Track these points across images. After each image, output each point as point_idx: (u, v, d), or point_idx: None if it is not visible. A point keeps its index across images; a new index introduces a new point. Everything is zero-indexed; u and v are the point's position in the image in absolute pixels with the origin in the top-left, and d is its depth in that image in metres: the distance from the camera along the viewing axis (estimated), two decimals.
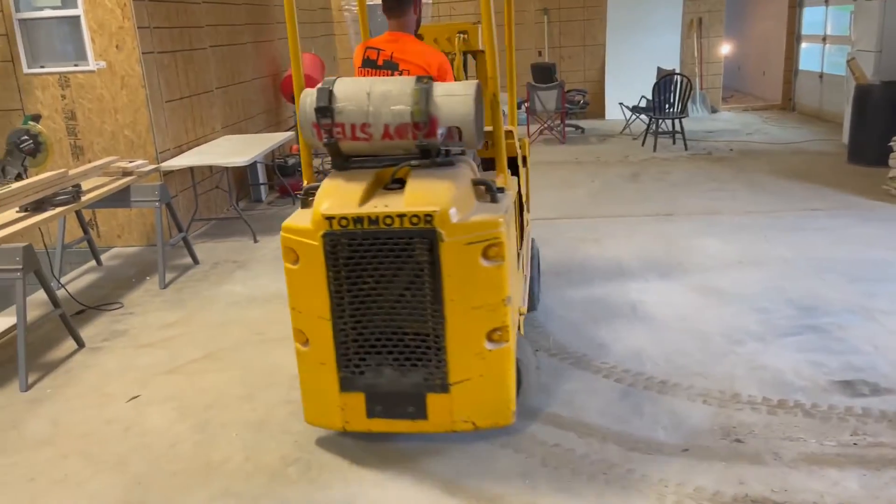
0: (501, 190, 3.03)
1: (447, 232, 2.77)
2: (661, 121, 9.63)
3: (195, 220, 6.52)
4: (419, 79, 2.92)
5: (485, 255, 2.80)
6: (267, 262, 5.74)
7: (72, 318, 4.71)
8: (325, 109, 2.87)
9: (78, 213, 5.56)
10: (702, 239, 5.67)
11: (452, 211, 2.77)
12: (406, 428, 3.07)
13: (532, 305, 4.33)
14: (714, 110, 12.38)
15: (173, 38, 6.52)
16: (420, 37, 3.71)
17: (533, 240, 4.53)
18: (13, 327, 4.06)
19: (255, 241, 6.30)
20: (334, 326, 2.94)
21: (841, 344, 3.86)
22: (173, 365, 4.06)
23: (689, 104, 12.04)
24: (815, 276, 4.82)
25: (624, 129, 10.71)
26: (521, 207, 3.87)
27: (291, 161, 7.97)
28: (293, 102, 8.91)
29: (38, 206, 4.39)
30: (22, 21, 5.87)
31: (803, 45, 11.98)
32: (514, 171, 3.79)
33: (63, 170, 4.83)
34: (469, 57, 4.64)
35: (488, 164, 3.63)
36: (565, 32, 12.38)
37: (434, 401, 2.96)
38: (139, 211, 6.20)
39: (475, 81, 2.98)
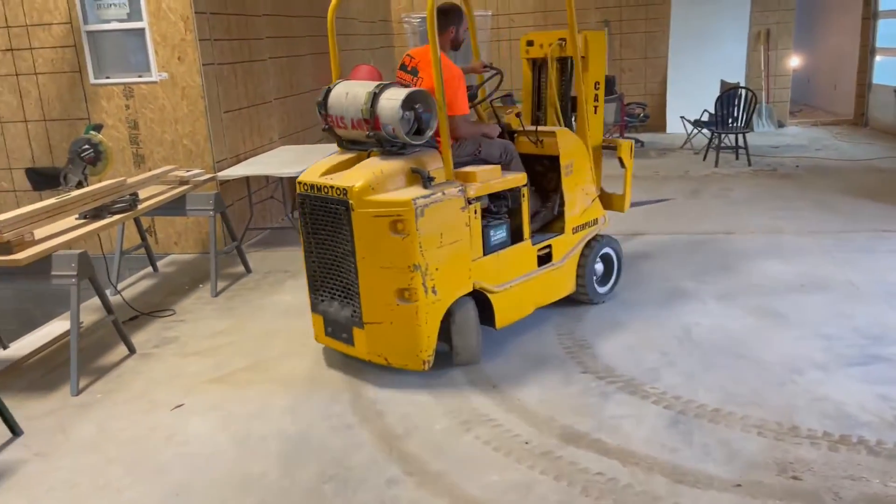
0: (432, 179, 3.69)
1: (356, 204, 3.62)
2: (723, 135, 9.34)
3: (250, 228, 6.61)
4: (378, 86, 3.78)
5: (392, 227, 3.58)
6: None
7: (126, 323, 4.82)
8: (321, 104, 4.01)
9: (136, 221, 5.69)
10: (763, 260, 5.44)
11: (363, 188, 3.59)
12: (344, 349, 4.02)
13: (590, 298, 4.72)
14: (781, 125, 11.97)
15: (233, 49, 6.65)
16: (452, 50, 4.33)
17: (598, 238, 4.73)
18: (68, 332, 4.16)
19: None
20: (306, 262, 4.08)
21: None
22: (219, 373, 4.10)
23: (755, 118, 11.68)
24: (884, 302, 4.55)
25: (685, 143, 10.44)
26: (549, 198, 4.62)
27: None
28: None
29: (96, 214, 4.50)
30: (89, 33, 6.07)
31: (877, 58, 11.48)
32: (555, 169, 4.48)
33: (122, 178, 4.95)
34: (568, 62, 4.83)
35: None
36: (626, 45, 12.17)
37: (357, 333, 3.87)
38: (195, 219, 6.32)
39: (411, 90, 3.69)
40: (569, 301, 4.66)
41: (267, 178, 6.94)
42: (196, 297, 5.38)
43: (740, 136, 9.24)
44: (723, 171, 8.73)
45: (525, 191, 4.16)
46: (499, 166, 4.11)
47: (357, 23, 10.68)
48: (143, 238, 5.82)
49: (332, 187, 3.69)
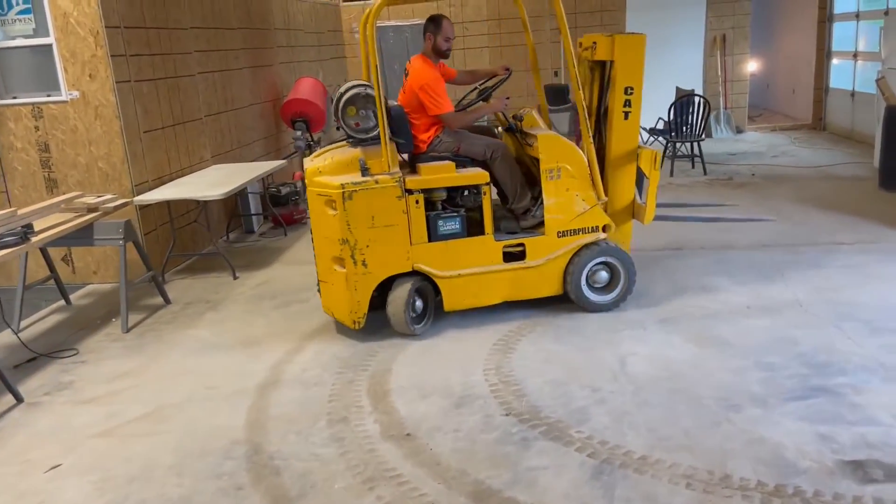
0: (367, 169, 4.28)
1: (308, 184, 4.47)
2: (679, 144, 9.12)
3: (175, 255, 6.23)
4: (347, 87, 4.54)
5: (329, 205, 4.30)
6: (241, 303, 5.41)
7: (22, 367, 4.43)
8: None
9: (43, 251, 5.30)
10: (711, 278, 5.18)
11: (312, 171, 4.43)
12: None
13: (584, 305, 4.73)
14: (740, 130, 11.81)
15: (155, 65, 6.28)
16: (440, 57, 4.78)
17: (595, 245, 4.65)
18: None
19: (235, 277, 5.98)
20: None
21: (855, 412, 3.35)
22: (109, 425, 3.72)
23: (713, 124, 11.51)
24: (833, 324, 4.30)
25: None
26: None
27: (286, 190, 7.67)
28: (294, 127, 8.72)
29: None
30: None
31: (834, 61, 11.36)
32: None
33: (12, 209, 4.56)
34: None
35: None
36: None
37: (321, 287, 4.66)
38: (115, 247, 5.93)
39: (353, 93, 4.46)
40: (530, 314, 4.36)
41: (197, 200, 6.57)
42: (105, 333, 4.99)
43: (696, 145, 9.03)
44: (678, 180, 8.50)
45: (486, 189, 4.43)
46: (452, 164, 4.44)
47: (304, 34, 10.34)
48: (52, 269, 5.42)
49: (304, 171, 4.56)
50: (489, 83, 5.05)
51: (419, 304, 4.53)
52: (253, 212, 7.56)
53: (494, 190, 4.74)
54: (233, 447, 3.43)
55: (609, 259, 4.63)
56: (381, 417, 3.61)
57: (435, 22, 4.66)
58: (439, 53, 4.71)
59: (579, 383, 3.81)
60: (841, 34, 11.16)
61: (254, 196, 7.58)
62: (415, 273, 4.44)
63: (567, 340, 4.35)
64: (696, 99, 8.98)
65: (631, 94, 4.56)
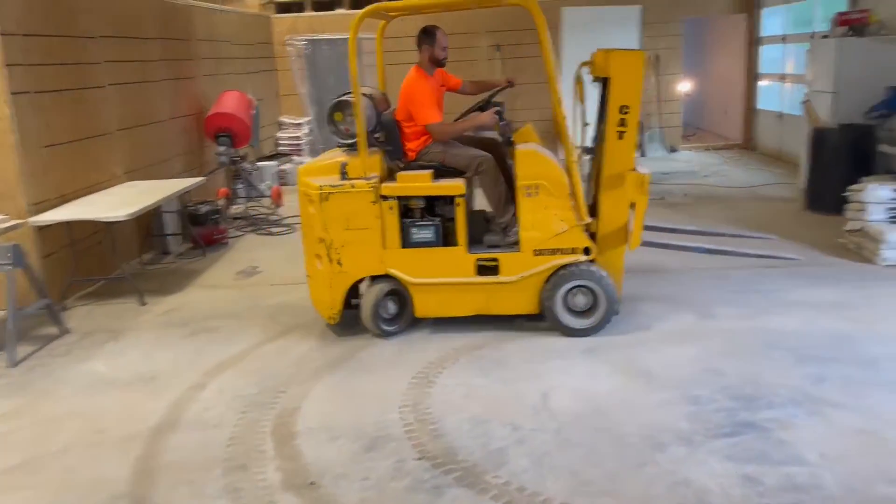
0: (345, 174, 4.45)
1: (298, 183, 4.68)
2: None
3: (77, 280, 5.80)
4: (341, 95, 4.72)
5: (310, 204, 4.52)
6: (146, 332, 5.02)
7: None
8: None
9: None
10: (639, 304, 5.04)
11: (302, 171, 4.68)
12: None
13: (560, 329, 4.59)
14: (673, 149, 11.91)
15: (59, 75, 5.85)
16: (437, 66, 4.80)
17: (572, 267, 4.50)
18: None
19: (143, 303, 5.58)
20: None
21: (781, 450, 3.21)
22: None
23: (647, 143, 11.58)
24: (761, 353, 4.20)
25: None
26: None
27: (205, 209, 7.28)
28: (217, 143, 8.34)
29: None
30: None
31: (762, 83, 11.58)
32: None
33: None
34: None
35: None
36: (519, 69, 11.84)
37: (308, 280, 4.82)
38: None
39: (339, 100, 4.69)
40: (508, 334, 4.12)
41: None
42: None
43: None
44: None
45: (460, 201, 4.43)
46: (429, 173, 4.46)
47: (231, 45, 9.97)
48: None
49: None
50: (488, 95, 4.98)
51: (392, 306, 4.64)
52: (170, 231, 7.15)
53: (483, 202, 4.80)
54: (114, 502, 3.08)
55: (587, 283, 4.44)
56: (283, 464, 3.31)
57: (428, 34, 4.72)
58: (437, 63, 4.76)
59: (500, 420, 3.59)
60: (770, 56, 11.38)
61: (172, 215, 7.16)
62: (390, 276, 4.56)
63: (490, 372, 4.13)
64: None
65: (626, 113, 4.35)
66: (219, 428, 3.66)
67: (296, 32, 11.91)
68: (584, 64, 4.67)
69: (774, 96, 11.10)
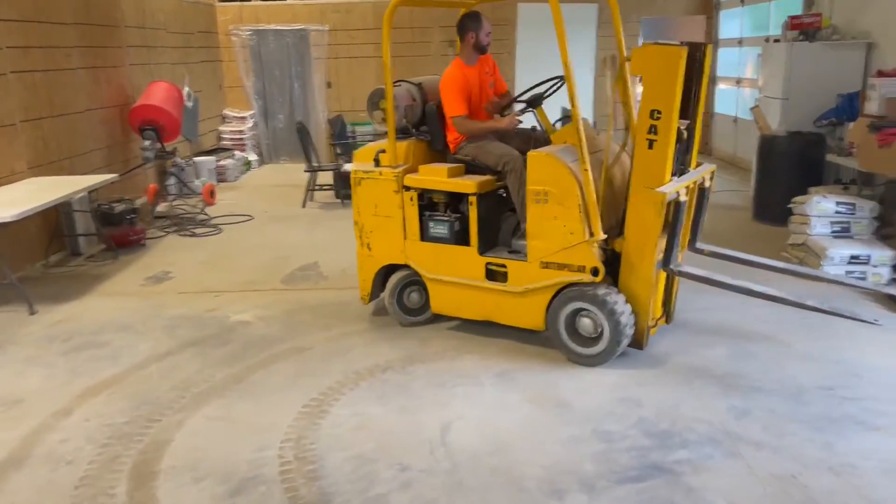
0: (378, 161, 4.51)
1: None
2: None
3: None
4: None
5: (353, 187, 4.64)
6: (25, 346, 4.58)
7: None
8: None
9: None
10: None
11: (355, 155, 4.75)
12: None
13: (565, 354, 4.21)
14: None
15: None
16: (481, 52, 4.62)
17: (577, 287, 4.08)
18: None
19: (33, 312, 5.12)
20: None
21: (689, 498, 2.89)
22: None
23: None
24: (683, 381, 3.89)
25: None
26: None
27: (121, 207, 6.81)
28: (143, 136, 7.85)
29: None
30: None
31: (719, 86, 11.35)
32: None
33: None
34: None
35: None
36: None
37: None
38: None
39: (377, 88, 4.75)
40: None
41: None
42: None
43: None
44: None
45: (472, 199, 4.24)
46: (446, 168, 4.35)
47: (166, 34, 9.47)
48: None
49: None
50: (538, 90, 4.52)
51: (416, 297, 4.64)
52: (81, 231, 6.66)
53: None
54: None
55: (588, 307, 3.99)
56: None
57: (474, 18, 4.56)
58: (480, 49, 4.59)
59: (388, 460, 3.23)
60: (727, 59, 11.16)
61: (84, 214, 6.68)
62: (411, 267, 4.55)
63: (391, 399, 3.77)
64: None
65: (658, 118, 3.72)
66: (72, 465, 3.25)
67: (241, 22, 11.43)
68: (627, 59, 4.10)
69: (731, 100, 10.88)
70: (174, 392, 3.91)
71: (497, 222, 4.49)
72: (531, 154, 4.04)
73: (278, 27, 11.47)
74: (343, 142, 9.71)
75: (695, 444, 3.27)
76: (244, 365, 4.23)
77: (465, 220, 4.35)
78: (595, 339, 4.03)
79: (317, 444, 3.36)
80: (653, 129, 3.75)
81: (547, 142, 4.35)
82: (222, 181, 10.09)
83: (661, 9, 11.70)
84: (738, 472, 3.06)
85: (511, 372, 4.05)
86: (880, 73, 6.25)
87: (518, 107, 4.57)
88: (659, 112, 3.72)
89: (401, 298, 4.67)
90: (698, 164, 4.28)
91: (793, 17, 7.54)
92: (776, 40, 7.99)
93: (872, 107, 6.08)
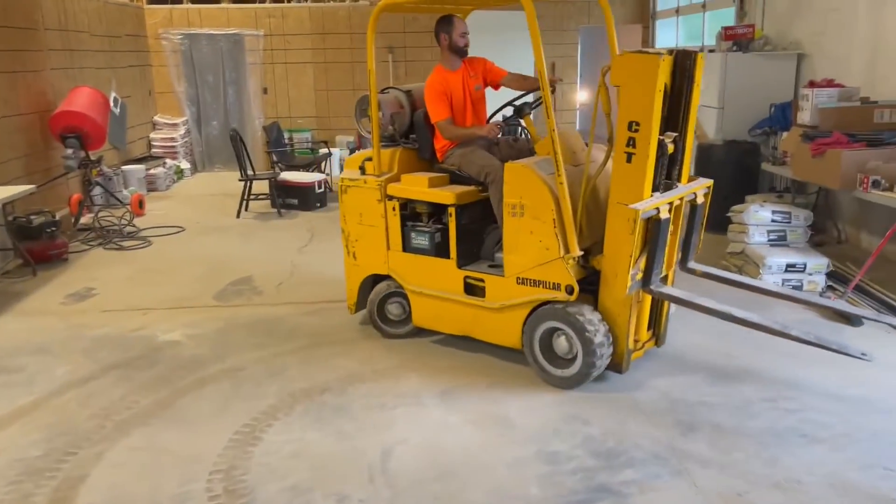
0: (363, 169, 4.48)
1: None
2: None
3: None
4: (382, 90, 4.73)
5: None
6: None
7: None
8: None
9: None
10: None
11: (345, 162, 4.78)
12: None
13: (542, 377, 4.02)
14: None
15: None
16: (460, 55, 4.47)
17: (551, 306, 3.91)
18: None
19: None
20: None
21: None
22: None
23: None
24: (630, 396, 3.82)
25: None
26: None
27: (39, 220, 6.41)
28: (65, 144, 7.44)
29: None
30: None
31: None
32: None
33: None
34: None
35: None
36: (412, 73, 11.39)
37: None
38: None
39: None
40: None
41: None
42: None
43: None
44: None
45: (451, 210, 4.14)
46: (426, 177, 4.24)
47: (90, 37, 9.03)
48: None
49: None
50: (527, 97, 4.47)
51: (397, 309, 4.54)
52: None
53: None
54: None
55: (562, 326, 3.81)
56: None
57: (445, 20, 4.45)
58: (457, 51, 4.45)
59: (325, 489, 3.05)
60: None
61: None
62: (390, 278, 4.49)
63: (329, 423, 3.59)
64: (519, 129, 8.60)
65: (636, 131, 3.49)
66: None
67: (171, 25, 11.03)
68: (607, 69, 3.77)
69: None
70: (94, 421, 3.64)
71: (480, 235, 4.35)
72: (508, 165, 3.91)
73: (211, 31, 11.12)
74: (279, 149, 9.46)
75: (641, 463, 3.19)
76: (172, 389, 3.98)
77: (446, 232, 4.23)
78: (571, 361, 3.84)
79: (248, 475, 3.16)
80: (631, 142, 3.53)
81: (532, 152, 4.22)
82: (153, 191, 9.70)
83: (598, 18, 11.80)
84: (684, 491, 3.00)
85: (455, 390, 3.92)
86: (812, 84, 6.38)
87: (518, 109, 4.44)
88: (637, 124, 3.50)
89: (382, 310, 4.58)
90: (692, 179, 4.02)
91: (727, 28, 7.66)
92: (711, 50, 8.11)
93: (805, 117, 6.19)
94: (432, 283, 4.32)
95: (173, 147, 10.90)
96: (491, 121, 4.61)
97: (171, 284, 5.81)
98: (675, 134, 3.69)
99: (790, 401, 3.72)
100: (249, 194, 8.40)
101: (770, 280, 5.26)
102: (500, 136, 4.39)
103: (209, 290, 5.65)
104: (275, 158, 9.25)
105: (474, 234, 4.34)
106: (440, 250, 4.26)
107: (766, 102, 7.16)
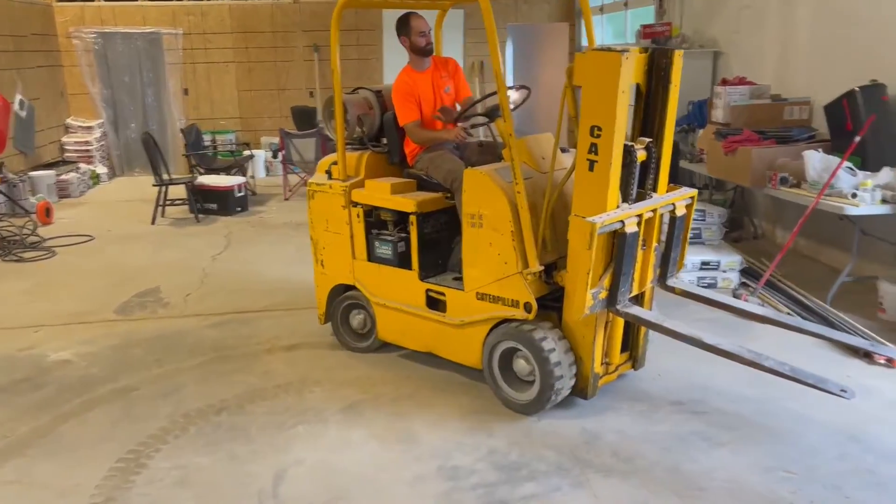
0: (329, 173, 4.27)
1: None
2: None
3: None
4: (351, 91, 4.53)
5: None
6: None
7: None
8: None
9: None
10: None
11: (318, 165, 4.51)
12: None
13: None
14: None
15: None
16: (423, 55, 4.25)
17: (510, 325, 3.66)
18: None
19: None
20: None
21: None
22: None
23: None
24: None
25: None
26: None
27: None
28: None
29: None
30: None
31: None
32: None
33: None
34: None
35: None
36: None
37: None
38: None
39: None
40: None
41: None
42: None
43: None
44: None
45: (413, 219, 3.94)
46: (389, 184, 4.03)
47: None
48: None
49: None
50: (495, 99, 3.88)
51: (359, 320, 4.35)
52: None
53: None
54: None
55: (520, 347, 3.55)
56: None
57: (402, 22, 4.25)
58: (420, 52, 4.23)
59: None
60: None
61: None
62: (356, 289, 4.31)
63: (221, 447, 3.39)
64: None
65: (598, 136, 3.17)
66: None
67: (83, 24, 10.56)
68: (570, 68, 3.43)
69: None
70: None
71: (448, 245, 4.10)
72: (466, 172, 3.65)
73: (127, 30, 10.68)
74: (198, 152, 9.13)
75: (543, 476, 3.10)
76: (55, 414, 3.72)
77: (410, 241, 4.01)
78: (531, 384, 3.58)
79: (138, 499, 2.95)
80: (593, 149, 3.21)
81: (500, 157, 3.86)
82: (65, 197, 9.25)
83: (526, 16, 11.80)
84: None
85: (359, 404, 3.77)
86: (724, 82, 6.44)
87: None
88: (599, 129, 3.17)
89: (344, 320, 4.42)
90: (672, 189, 3.70)
91: (645, 27, 7.71)
92: None
93: (718, 114, 6.25)
94: (396, 295, 4.10)
95: (88, 151, 10.43)
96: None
97: (70, 298, 5.49)
98: (648, 140, 3.42)
99: (697, 403, 3.69)
100: (165, 200, 8.07)
101: (686, 279, 5.27)
102: (466, 139, 4.13)
103: (111, 303, 5.36)
104: (194, 162, 8.92)
105: (440, 243, 4.07)
106: (403, 260, 4.04)
107: (684, 99, 7.21)
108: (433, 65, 4.30)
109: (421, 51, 4.22)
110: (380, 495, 3.01)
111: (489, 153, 4.22)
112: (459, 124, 4.06)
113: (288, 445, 3.40)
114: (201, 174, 8.68)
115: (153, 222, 7.89)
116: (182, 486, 3.10)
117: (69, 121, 10.59)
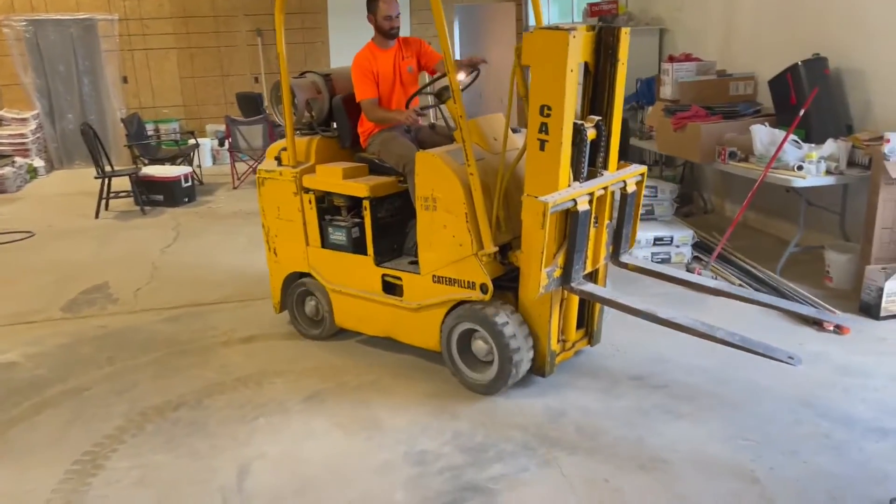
0: (279, 160, 4.24)
1: None
2: None
3: None
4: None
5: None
6: None
7: None
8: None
9: None
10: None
11: (269, 152, 4.47)
12: None
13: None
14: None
15: None
16: (388, 38, 4.15)
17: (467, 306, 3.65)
18: None
19: None
20: None
21: None
22: None
23: None
24: None
25: None
26: None
27: None
28: None
29: None
30: None
31: None
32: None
33: None
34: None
35: None
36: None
37: None
38: None
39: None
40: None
41: None
42: None
43: None
44: None
45: (366, 203, 3.92)
46: (340, 169, 3.99)
47: None
48: None
49: None
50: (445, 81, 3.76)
51: (312, 307, 4.33)
52: None
53: None
54: None
55: (477, 328, 3.56)
56: None
57: (369, 2, 4.15)
58: (384, 34, 4.15)
59: None
60: None
61: None
62: (309, 275, 4.28)
63: (180, 443, 3.31)
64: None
65: (548, 115, 3.16)
66: None
67: (12, 11, 10.10)
68: (518, 47, 3.36)
69: None
70: None
71: (402, 229, 4.09)
72: (419, 155, 3.62)
73: (59, 16, 10.26)
74: (142, 142, 8.86)
75: (510, 457, 3.11)
76: (3, 419, 3.58)
77: (364, 226, 3.99)
78: (490, 364, 3.60)
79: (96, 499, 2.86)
80: (543, 128, 3.20)
81: (453, 139, 3.80)
82: (1, 192, 8.88)
83: None
84: (552, 482, 2.93)
85: (321, 393, 3.72)
86: (671, 59, 6.51)
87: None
88: (549, 108, 3.16)
89: (299, 308, 4.38)
90: (623, 166, 3.70)
91: (592, 5, 7.74)
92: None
93: (666, 91, 6.32)
94: (352, 281, 4.09)
95: (24, 144, 10.02)
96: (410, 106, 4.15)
97: (12, 298, 5.28)
98: (597, 118, 3.39)
99: (655, 377, 3.75)
100: (109, 192, 7.81)
101: (640, 255, 5.34)
102: (419, 122, 4.08)
103: (57, 301, 5.17)
104: (137, 152, 8.65)
105: (394, 228, 4.07)
106: (358, 246, 4.02)
107: (632, 77, 7.27)
108: (397, 45, 4.23)
109: (385, 34, 4.16)
110: (347, 484, 2.99)
111: (441, 135, 4.20)
112: (412, 107, 4.02)
113: (250, 439, 3.34)
114: (145, 165, 8.43)
115: (97, 216, 7.63)
116: (142, 485, 3.02)
117: (2, 113, 10.15)
